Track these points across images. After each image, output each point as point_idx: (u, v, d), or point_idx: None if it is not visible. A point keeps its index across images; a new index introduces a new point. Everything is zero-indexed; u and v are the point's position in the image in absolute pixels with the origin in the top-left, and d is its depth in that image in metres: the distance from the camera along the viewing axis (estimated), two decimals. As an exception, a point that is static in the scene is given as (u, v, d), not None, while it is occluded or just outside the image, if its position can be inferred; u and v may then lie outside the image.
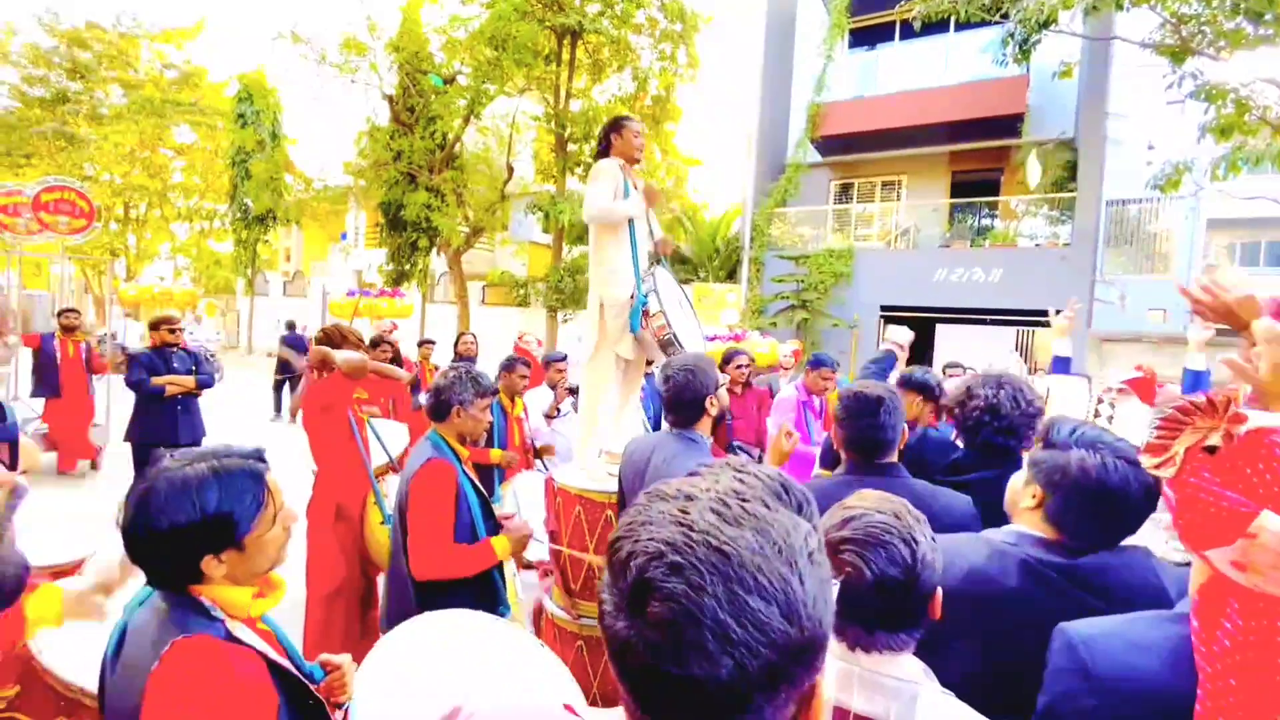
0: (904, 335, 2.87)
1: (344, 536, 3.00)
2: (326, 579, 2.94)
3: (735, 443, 4.52)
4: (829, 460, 2.65)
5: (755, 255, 13.37)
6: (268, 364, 19.81)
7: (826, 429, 5.13)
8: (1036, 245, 11.99)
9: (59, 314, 6.65)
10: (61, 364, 6.32)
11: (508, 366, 4.29)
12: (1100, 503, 1.16)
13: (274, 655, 1.10)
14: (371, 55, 13.66)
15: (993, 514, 1.48)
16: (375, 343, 5.20)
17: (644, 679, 0.47)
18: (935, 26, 9.48)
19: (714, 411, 2.08)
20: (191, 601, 1.06)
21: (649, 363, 3.37)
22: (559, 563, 2.73)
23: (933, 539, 1.01)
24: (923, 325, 12.53)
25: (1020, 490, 1.29)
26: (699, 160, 16.96)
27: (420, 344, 7.44)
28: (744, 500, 0.49)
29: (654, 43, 12.82)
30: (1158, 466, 0.78)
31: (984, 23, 8.90)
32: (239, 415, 10.35)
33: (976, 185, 13.40)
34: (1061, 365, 2.83)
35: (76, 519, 2.59)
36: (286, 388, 10.71)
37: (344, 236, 22.32)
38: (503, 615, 2.15)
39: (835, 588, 0.83)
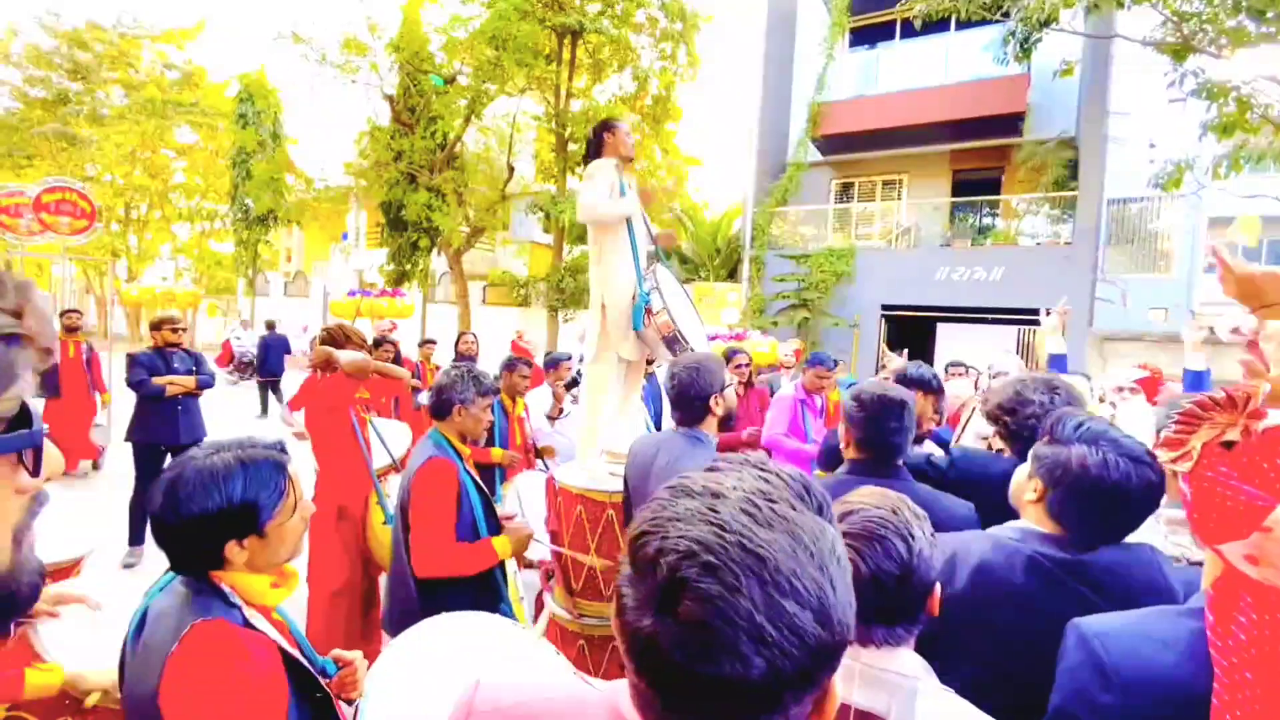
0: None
1: (346, 536, 3.00)
2: (329, 579, 2.95)
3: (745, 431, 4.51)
4: (827, 460, 2.65)
5: (756, 254, 13.37)
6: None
7: (830, 426, 5.13)
8: (1038, 244, 11.97)
9: (60, 314, 6.66)
10: (62, 364, 6.33)
11: (509, 366, 4.30)
12: (1100, 498, 1.16)
13: (286, 645, 1.12)
14: (372, 55, 13.66)
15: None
16: (377, 343, 5.21)
17: (669, 676, 0.47)
18: (936, 25, 9.48)
19: (719, 411, 2.07)
20: (211, 587, 1.09)
21: (650, 362, 3.37)
22: (560, 562, 2.73)
23: (931, 536, 1.01)
24: (924, 324, 12.54)
25: (1024, 484, 1.29)
26: (699, 160, 16.94)
27: (421, 344, 7.45)
28: (772, 501, 0.50)
29: (654, 42, 12.82)
30: (1175, 460, 0.78)
31: (985, 21, 8.89)
32: (238, 416, 10.36)
33: (978, 184, 13.38)
34: (1058, 363, 2.84)
35: (78, 518, 2.60)
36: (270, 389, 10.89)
37: (345, 237, 22.33)
38: (504, 613, 2.15)
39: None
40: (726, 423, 4.54)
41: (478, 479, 2.26)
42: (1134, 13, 7.55)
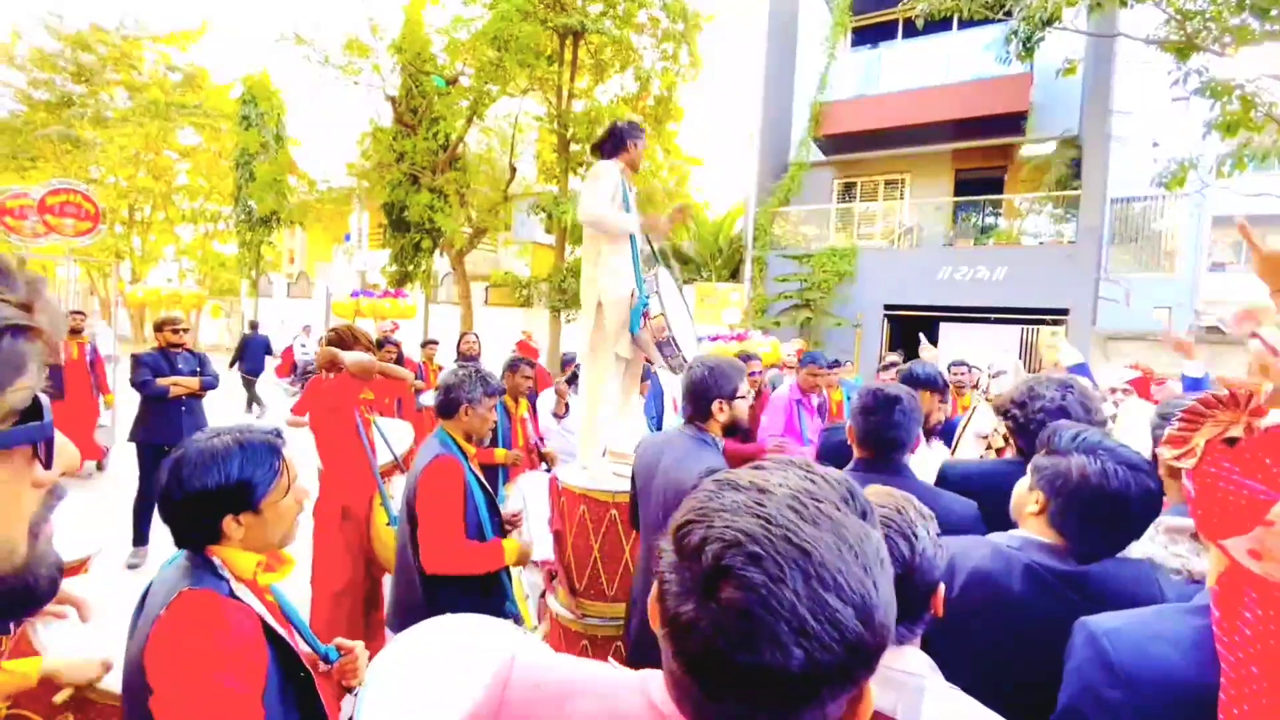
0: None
1: (350, 537, 3.01)
2: (332, 579, 2.95)
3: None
4: (825, 459, 2.68)
5: (758, 254, 13.36)
6: (270, 364, 19.88)
7: (835, 420, 5.11)
8: (1040, 244, 11.95)
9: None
10: (66, 365, 6.35)
11: (511, 367, 4.30)
12: (1100, 508, 1.17)
13: (270, 620, 1.16)
14: (374, 56, 13.68)
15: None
16: (380, 344, 5.23)
17: (708, 663, 0.48)
18: (938, 25, 9.46)
19: (721, 418, 2.02)
20: (205, 561, 1.17)
21: (648, 361, 3.37)
22: (563, 562, 2.74)
23: (936, 536, 1.02)
24: (927, 324, 12.53)
25: (1024, 495, 1.30)
26: (701, 160, 16.93)
27: (424, 344, 7.46)
28: (818, 501, 0.51)
29: (656, 42, 12.81)
30: (1179, 458, 0.79)
31: (987, 20, 8.87)
32: (237, 416, 10.39)
33: (980, 183, 13.36)
34: (1081, 370, 2.93)
35: (83, 518, 2.60)
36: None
37: (348, 238, 22.35)
38: (509, 611, 2.16)
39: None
40: (739, 431, 4.40)
41: (482, 478, 2.27)
42: (1137, 11, 7.53)
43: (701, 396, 2.01)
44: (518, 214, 15.62)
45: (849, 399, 4.67)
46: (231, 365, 11.04)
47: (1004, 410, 1.88)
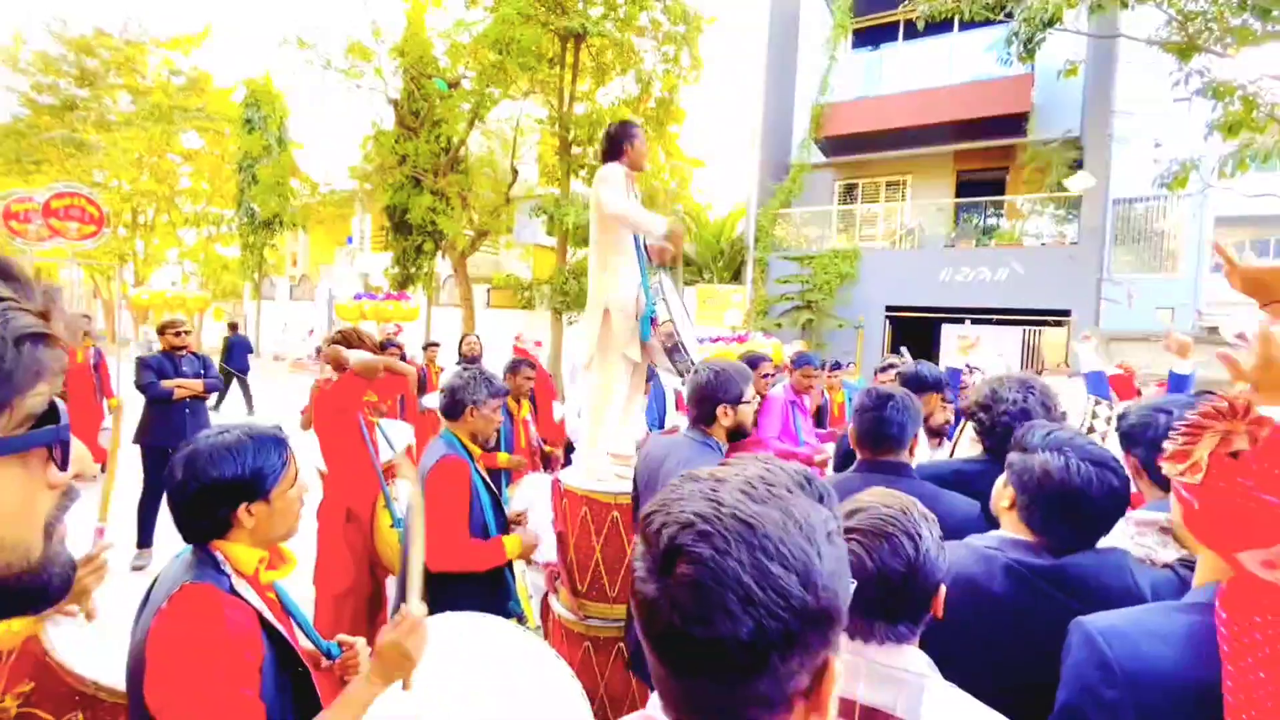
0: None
1: (354, 539, 3.01)
2: (336, 580, 2.96)
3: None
4: (840, 463, 2.72)
5: (760, 256, 13.37)
6: (274, 367, 19.92)
7: (832, 425, 5.11)
8: (1043, 244, 11.94)
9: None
10: (70, 369, 6.38)
11: (512, 369, 4.30)
12: (1064, 503, 1.20)
13: (269, 615, 1.18)
14: (376, 60, 13.72)
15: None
16: (383, 346, 5.24)
17: (669, 638, 0.51)
18: (939, 26, 9.47)
19: (725, 422, 2.02)
20: (209, 556, 1.20)
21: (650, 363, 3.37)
22: (565, 563, 2.74)
23: (939, 538, 1.04)
24: (928, 325, 12.52)
25: (1000, 491, 1.34)
26: (702, 161, 16.95)
27: (426, 346, 7.48)
28: (770, 485, 0.53)
29: (657, 45, 12.82)
30: (1183, 473, 0.79)
31: (988, 22, 8.87)
32: (238, 417, 10.43)
33: (982, 184, 13.36)
34: (1095, 378, 3.04)
35: (87, 522, 2.60)
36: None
37: (350, 240, 22.40)
38: (513, 610, 2.18)
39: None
40: (743, 436, 4.32)
41: (488, 479, 2.29)
42: (1138, 12, 7.53)
43: (706, 401, 2.02)
44: (519, 216, 15.63)
45: (851, 401, 4.66)
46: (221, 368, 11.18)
47: (970, 413, 1.95)
